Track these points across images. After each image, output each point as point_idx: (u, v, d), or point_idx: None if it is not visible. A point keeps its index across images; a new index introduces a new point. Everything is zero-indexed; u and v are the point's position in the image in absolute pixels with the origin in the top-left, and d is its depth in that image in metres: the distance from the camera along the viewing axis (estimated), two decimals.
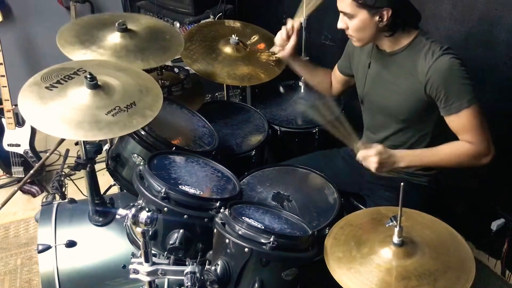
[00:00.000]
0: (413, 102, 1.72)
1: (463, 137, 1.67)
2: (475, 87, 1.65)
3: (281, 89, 2.52)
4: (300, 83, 2.53)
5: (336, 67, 2.11)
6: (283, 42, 2.04)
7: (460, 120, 1.65)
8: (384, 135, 1.87)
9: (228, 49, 2.28)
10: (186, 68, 2.37)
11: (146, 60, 1.91)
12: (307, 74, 2.18)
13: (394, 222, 1.25)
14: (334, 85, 2.15)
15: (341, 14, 1.71)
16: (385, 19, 1.62)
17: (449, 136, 1.72)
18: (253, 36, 2.41)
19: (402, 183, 1.20)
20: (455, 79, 1.62)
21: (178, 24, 3.15)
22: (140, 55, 1.91)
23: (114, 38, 1.96)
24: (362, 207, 1.93)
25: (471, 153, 1.67)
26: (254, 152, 2.10)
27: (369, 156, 1.63)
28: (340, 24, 1.72)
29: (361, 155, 1.65)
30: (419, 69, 1.66)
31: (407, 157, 1.69)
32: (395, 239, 1.25)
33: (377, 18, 1.62)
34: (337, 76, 2.11)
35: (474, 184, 2.41)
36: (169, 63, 2.84)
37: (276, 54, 2.15)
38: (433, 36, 1.74)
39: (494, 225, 2.29)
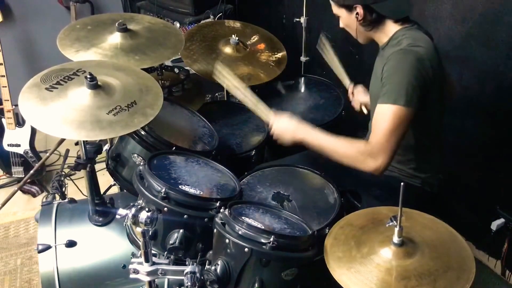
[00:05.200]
0: (379, 91, 1.69)
1: (372, 132, 1.62)
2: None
3: (281, 89, 2.52)
4: (300, 83, 2.53)
5: None
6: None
7: (378, 113, 1.60)
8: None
9: (228, 49, 2.28)
10: (186, 68, 2.38)
11: (147, 58, 1.93)
12: None
13: (394, 222, 1.25)
14: None
15: None
16: (360, 15, 1.69)
17: (447, 138, 1.72)
18: (253, 36, 2.42)
19: (402, 183, 1.20)
20: (400, 74, 1.58)
21: (178, 24, 3.15)
22: (140, 53, 1.93)
23: (114, 38, 1.97)
24: (358, 204, 1.94)
25: (357, 150, 1.61)
26: (254, 152, 2.10)
27: (271, 124, 1.81)
28: (340, 24, 1.82)
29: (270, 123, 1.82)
30: (385, 58, 1.67)
31: (305, 130, 1.74)
32: (395, 239, 1.25)
33: (354, 15, 1.70)
34: None
35: (474, 184, 2.41)
36: (169, 63, 2.85)
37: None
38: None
39: (494, 225, 2.29)
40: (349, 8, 1.70)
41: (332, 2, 1.76)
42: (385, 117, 1.57)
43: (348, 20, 1.75)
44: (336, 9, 1.76)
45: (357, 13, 1.69)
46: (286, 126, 1.77)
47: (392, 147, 1.58)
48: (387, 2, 1.66)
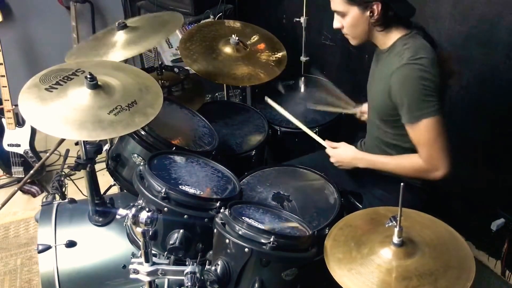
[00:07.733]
0: (384, 103, 1.71)
1: (417, 149, 1.68)
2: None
3: (281, 89, 2.52)
4: (300, 83, 2.53)
5: None
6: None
7: (412, 132, 1.65)
8: (374, 132, 1.88)
9: (228, 49, 2.28)
10: (186, 68, 2.37)
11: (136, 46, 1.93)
12: None
13: (394, 222, 1.25)
14: None
15: (335, 14, 1.72)
16: (375, 13, 1.62)
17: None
18: (253, 36, 2.41)
19: (402, 183, 1.20)
20: (412, 91, 1.59)
21: None
22: (133, 44, 1.93)
23: (118, 37, 1.97)
24: (359, 205, 1.94)
25: (417, 168, 1.70)
26: (254, 152, 2.10)
27: (330, 155, 1.92)
28: (336, 24, 1.73)
29: (328, 151, 1.94)
30: (389, 72, 1.65)
31: (364, 160, 1.84)
32: (395, 239, 1.25)
33: (368, 13, 1.63)
34: None
35: (474, 184, 2.41)
36: (169, 63, 2.85)
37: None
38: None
39: (494, 225, 2.29)
40: (365, 5, 1.61)
41: None
42: (421, 133, 1.63)
43: (357, 19, 1.65)
44: (343, 7, 1.65)
45: (371, 12, 1.61)
46: (344, 155, 1.90)
47: (443, 153, 1.64)
48: (400, 1, 1.64)
